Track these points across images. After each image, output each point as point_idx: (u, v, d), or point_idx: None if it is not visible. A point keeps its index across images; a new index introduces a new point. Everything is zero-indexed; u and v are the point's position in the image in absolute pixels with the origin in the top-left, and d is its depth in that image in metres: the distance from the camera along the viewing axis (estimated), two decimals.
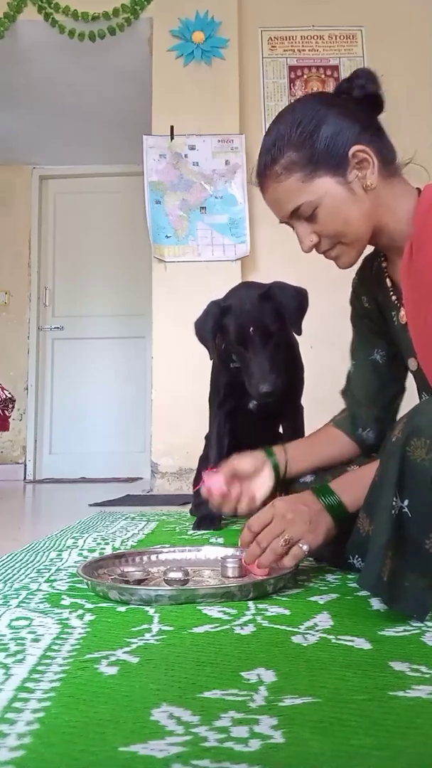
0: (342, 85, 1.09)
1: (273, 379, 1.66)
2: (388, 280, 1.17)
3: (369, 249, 1.19)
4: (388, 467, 0.86)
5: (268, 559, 1.00)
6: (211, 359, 1.83)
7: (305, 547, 0.99)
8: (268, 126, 1.10)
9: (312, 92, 1.12)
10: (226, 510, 1.22)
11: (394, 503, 0.83)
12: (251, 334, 1.69)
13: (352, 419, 1.32)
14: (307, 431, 1.95)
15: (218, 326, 1.76)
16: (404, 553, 0.83)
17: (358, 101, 1.07)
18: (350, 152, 1.02)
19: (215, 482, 1.18)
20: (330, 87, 3.57)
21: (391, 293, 1.16)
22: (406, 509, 0.83)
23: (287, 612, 0.88)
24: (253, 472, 1.23)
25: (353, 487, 1.03)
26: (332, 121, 1.03)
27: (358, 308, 1.30)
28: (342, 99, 1.08)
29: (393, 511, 0.83)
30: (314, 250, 1.10)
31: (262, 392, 1.65)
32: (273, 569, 1.05)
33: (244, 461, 1.23)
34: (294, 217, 1.08)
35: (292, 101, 1.14)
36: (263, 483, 1.23)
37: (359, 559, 1.04)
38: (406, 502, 0.83)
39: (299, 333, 1.75)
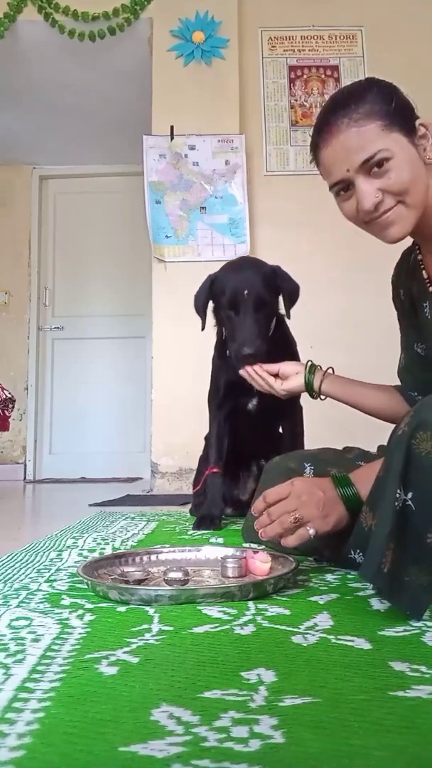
0: None
1: (258, 343, 1.64)
2: (423, 272, 1.19)
3: (408, 242, 1.22)
4: (393, 460, 0.86)
5: (274, 530, 1.03)
6: (203, 330, 1.86)
7: (311, 531, 1.02)
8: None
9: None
10: (256, 383, 1.55)
11: (398, 495, 0.83)
12: (245, 297, 1.71)
13: (407, 395, 1.37)
14: (307, 431, 1.96)
15: (209, 296, 1.81)
16: (406, 545, 0.83)
17: None
18: (418, 123, 1.07)
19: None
20: (330, 87, 3.57)
21: (427, 284, 1.18)
22: (409, 502, 0.83)
23: (287, 612, 0.88)
24: (293, 375, 1.47)
25: (371, 481, 1.02)
26: (402, 95, 1.09)
27: (396, 303, 1.33)
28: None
29: (396, 504, 0.83)
30: (374, 210, 1.06)
31: (245, 353, 1.61)
32: (273, 569, 1.05)
33: (289, 365, 1.50)
34: (362, 170, 1.05)
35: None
36: (294, 382, 1.47)
37: (360, 553, 1.04)
38: (410, 495, 0.83)
39: (288, 316, 1.82)
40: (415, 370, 1.32)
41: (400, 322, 1.34)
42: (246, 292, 1.71)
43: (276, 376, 1.52)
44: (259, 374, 1.54)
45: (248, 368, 1.57)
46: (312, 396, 1.46)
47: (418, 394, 1.33)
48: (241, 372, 1.60)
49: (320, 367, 1.46)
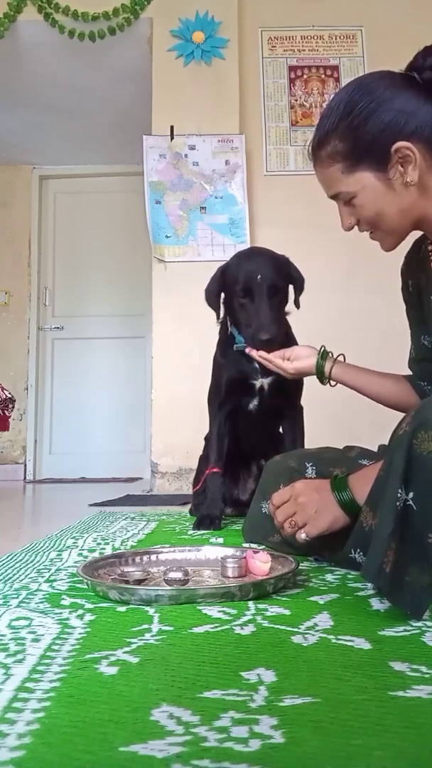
0: (417, 60, 1.07)
1: (274, 328, 1.66)
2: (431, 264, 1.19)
3: (418, 233, 1.22)
4: (394, 460, 0.86)
5: (287, 532, 1.13)
6: (218, 321, 1.88)
7: (303, 536, 1.08)
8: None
9: (381, 70, 1.09)
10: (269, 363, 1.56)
11: (399, 495, 0.83)
12: (258, 282, 1.71)
13: (416, 383, 1.38)
14: (307, 431, 1.95)
15: (221, 286, 1.81)
16: (407, 545, 0.83)
17: (426, 82, 1.05)
18: (393, 148, 1.03)
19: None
20: (330, 87, 3.57)
21: None
22: (410, 502, 0.83)
23: (287, 612, 0.88)
24: (305, 357, 1.49)
25: (369, 484, 1.02)
26: (387, 110, 1.03)
27: (405, 294, 1.33)
28: (409, 80, 1.06)
29: (398, 504, 0.83)
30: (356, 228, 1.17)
31: (262, 339, 1.62)
32: (273, 569, 1.05)
33: (302, 348, 1.52)
34: (335, 199, 1.14)
35: (362, 75, 1.13)
36: (304, 363, 1.48)
37: (360, 553, 1.04)
38: (411, 495, 0.83)
39: (298, 306, 1.83)
40: (423, 361, 1.33)
41: (408, 313, 1.34)
42: (259, 277, 1.72)
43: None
44: (265, 358, 1.56)
45: (253, 352, 1.60)
46: (322, 381, 1.47)
47: (426, 384, 1.34)
48: (247, 351, 1.63)
49: (332, 354, 1.47)
